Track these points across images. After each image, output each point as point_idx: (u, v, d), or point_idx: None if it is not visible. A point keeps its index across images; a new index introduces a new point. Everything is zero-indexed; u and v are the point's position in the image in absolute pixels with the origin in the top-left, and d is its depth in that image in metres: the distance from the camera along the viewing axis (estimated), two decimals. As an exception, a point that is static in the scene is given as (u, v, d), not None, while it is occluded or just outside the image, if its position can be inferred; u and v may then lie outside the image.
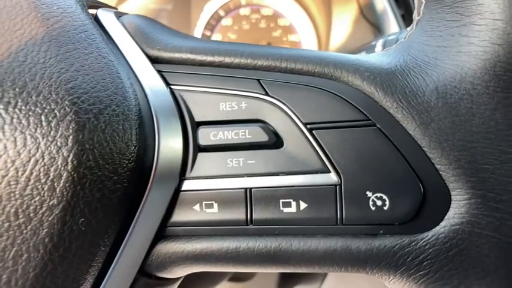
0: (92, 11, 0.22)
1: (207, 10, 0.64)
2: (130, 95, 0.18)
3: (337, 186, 0.17)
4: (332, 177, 0.17)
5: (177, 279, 0.23)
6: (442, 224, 0.16)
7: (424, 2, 0.19)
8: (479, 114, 0.16)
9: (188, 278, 0.41)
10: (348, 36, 0.61)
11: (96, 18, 0.21)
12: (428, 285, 0.17)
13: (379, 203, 0.17)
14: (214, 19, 0.64)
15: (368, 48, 0.38)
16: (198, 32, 0.64)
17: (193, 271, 0.21)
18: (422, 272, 0.17)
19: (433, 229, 0.17)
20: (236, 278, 0.59)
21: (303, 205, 0.18)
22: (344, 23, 0.61)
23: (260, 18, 0.65)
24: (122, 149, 0.17)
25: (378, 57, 0.19)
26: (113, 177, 0.17)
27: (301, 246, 0.18)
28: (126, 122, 0.17)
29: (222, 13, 0.64)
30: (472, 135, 0.16)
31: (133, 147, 0.17)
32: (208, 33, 0.64)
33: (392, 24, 0.51)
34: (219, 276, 0.44)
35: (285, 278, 0.61)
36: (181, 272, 0.21)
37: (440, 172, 0.16)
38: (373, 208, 0.17)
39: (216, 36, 0.65)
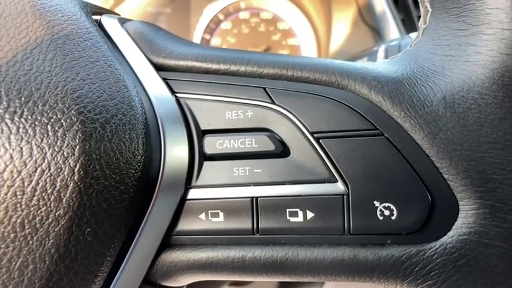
0: (96, 17, 0.22)
1: (207, 14, 0.64)
2: (136, 103, 0.18)
3: (345, 196, 0.17)
4: (339, 187, 0.17)
5: (181, 287, 0.23)
6: (450, 233, 0.16)
7: (430, 10, 0.19)
8: (487, 124, 0.16)
9: (189, 284, 0.40)
10: (347, 40, 0.61)
11: (100, 25, 0.21)
12: None
13: (386, 212, 0.17)
14: (214, 23, 0.64)
15: (370, 54, 0.38)
16: (197, 35, 0.64)
17: (198, 279, 0.21)
18: (429, 282, 0.17)
19: (441, 239, 0.17)
20: (235, 283, 0.59)
21: (309, 214, 0.18)
22: (343, 27, 0.61)
23: (259, 21, 0.65)
24: (128, 158, 0.17)
25: (385, 65, 0.19)
26: (120, 187, 0.16)
27: (308, 256, 0.18)
28: (132, 131, 0.17)
29: (221, 17, 0.64)
30: (480, 145, 0.16)
31: (139, 157, 0.17)
32: (207, 36, 0.64)
33: (392, 28, 0.51)
34: (219, 283, 0.43)
35: (284, 283, 0.61)
36: (185, 280, 0.21)
37: (448, 182, 0.16)
38: (380, 218, 0.17)
39: (216, 40, 0.65)
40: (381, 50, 0.36)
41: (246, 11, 0.65)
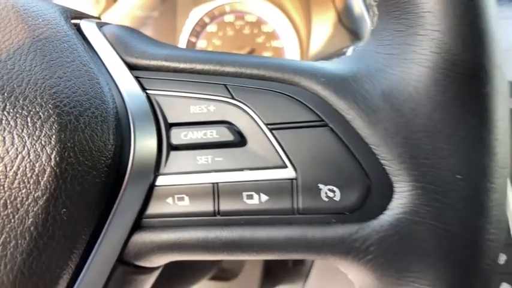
0: (76, 21, 0.24)
1: (192, 17, 0.66)
2: (108, 99, 0.20)
3: (294, 180, 0.19)
4: (289, 172, 0.19)
5: (156, 268, 0.25)
6: (386, 213, 0.19)
7: (377, 14, 0.22)
8: (421, 115, 0.18)
9: (168, 274, 0.42)
10: (327, 42, 0.63)
11: (78, 29, 0.23)
12: (376, 268, 0.19)
13: (330, 194, 0.19)
14: (200, 26, 0.66)
15: (339, 54, 0.40)
16: (183, 38, 0.66)
17: (169, 260, 0.23)
18: (369, 257, 0.19)
19: (378, 218, 0.19)
20: (220, 277, 0.61)
21: (264, 197, 0.20)
22: (323, 30, 0.63)
23: (244, 24, 0.67)
24: (100, 147, 0.19)
25: (335, 64, 0.21)
26: (92, 172, 0.18)
27: (263, 234, 0.20)
28: (104, 123, 0.19)
29: (207, 20, 0.66)
30: (414, 133, 0.18)
31: (110, 146, 0.19)
32: (193, 39, 0.66)
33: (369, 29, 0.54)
34: (199, 274, 0.45)
35: (267, 278, 0.63)
36: (157, 260, 0.23)
37: (385, 167, 0.18)
38: (325, 199, 0.19)
39: (202, 42, 0.67)
40: (349, 51, 0.38)
41: (231, 14, 0.67)
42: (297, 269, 0.63)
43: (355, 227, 0.19)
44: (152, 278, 0.26)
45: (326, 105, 0.19)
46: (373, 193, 0.19)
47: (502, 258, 0.43)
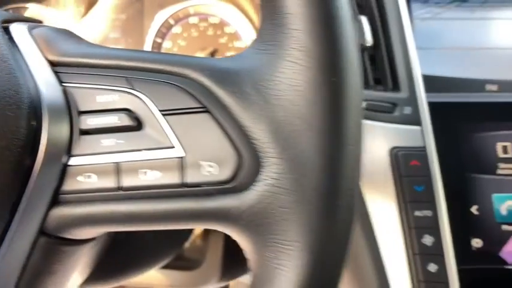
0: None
1: (158, 19, 0.69)
2: (23, 90, 0.23)
3: (182, 158, 0.23)
4: (178, 152, 0.23)
5: (84, 241, 0.28)
6: (256, 184, 0.22)
7: (261, 15, 0.25)
8: (282, 101, 0.22)
9: (119, 258, 0.45)
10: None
11: (7, 31, 0.26)
12: (250, 234, 0.22)
13: (210, 169, 0.22)
14: (165, 27, 0.69)
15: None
16: (149, 39, 0.69)
17: (87, 232, 0.26)
18: (242, 223, 0.22)
19: (250, 188, 0.22)
20: (183, 267, 0.64)
21: (157, 174, 0.23)
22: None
23: (208, 26, 0.70)
24: (13, 131, 0.22)
25: (225, 60, 0.25)
26: (6, 152, 0.22)
27: (159, 207, 0.23)
28: (17, 110, 0.22)
29: (172, 22, 0.70)
30: (276, 116, 0.22)
31: (23, 130, 0.22)
32: (159, 40, 0.69)
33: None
34: (152, 260, 0.49)
35: (229, 268, 0.66)
36: (80, 233, 0.26)
37: (254, 145, 0.22)
38: (207, 173, 0.22)
39: (167, 43, 0.70)
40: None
41: (195, 16, 0.70)
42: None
43: (231, 198, 0.22)
44: (84, 251, 0.29)
45: (208, 93, 0.23)
46: (245, 168, 0.22)
47: (430, 240, 0.47)
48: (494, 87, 0.53)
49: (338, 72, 0.21)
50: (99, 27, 0.71)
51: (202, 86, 0.23)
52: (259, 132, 0.22)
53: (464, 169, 0.48)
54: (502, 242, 0.46)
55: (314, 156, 0.21)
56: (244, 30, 0.70)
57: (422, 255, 0.45)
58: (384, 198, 0.48)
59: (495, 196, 0.47)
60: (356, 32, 0.23)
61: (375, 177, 0.49)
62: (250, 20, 0.69)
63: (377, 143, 0.49)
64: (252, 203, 0.22)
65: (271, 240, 0.22)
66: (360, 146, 0.22)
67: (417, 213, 0.46)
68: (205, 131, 0.22)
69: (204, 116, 0.23)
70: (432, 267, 0.45)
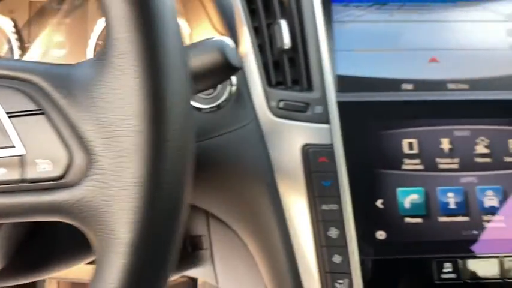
0: None
1: (100, 24, 0.71)
2: None
3: (22, 156, 0.25)
4: (20, 150, 0.25)
5: None
6: (85, 179, 0.24)
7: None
8: (105, 100, 0.24)
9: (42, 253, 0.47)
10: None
11: None
12: (84, 225, 0.25)
13: (45, 166, 0.25)
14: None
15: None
16: (92, 42, 0.71)
17: None
18: (72, 215, 0.24)
19: (79, 183, 0.24)
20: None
21: (3, 170, 0.25)
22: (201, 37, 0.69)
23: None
24: None
25: (64, 66, 0.27)
26: None
27: (5, 201, 0.25)
28: None
29: (114, 25, 0.72)
30: (100, 114, 0.24)
31: None
32: (101, 42, 0.71)
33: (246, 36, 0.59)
34: (71, 256, 0.51)
35: (181, 263, 0.68)
36: None
37: (83, 143, 0.24)
38: (42, 170, 0.24)
39: (110, 46, 0.72)
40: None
41: (137, 20, 0.72)
42: (196, 254, 0.68)
43: (62, 192, 0.25)
44: None
45: (46, 96, 0.25)
46: (76, 165, 0.24)
47: (335, 233, 0.49)
48: (410, 86, 0.56)
49: (153, 76, 0.23)
50: (43, 31, 0.73)
51: (41, 90, 0.25)
52: (87, 132, 0.24)
53: (371, 165, 0.50)
54: (405, 234, 0.48)
55: (133, 153, 0.23)
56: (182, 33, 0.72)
57: (328, 247, 0.47)
58: (296, 193, 0.50)
59: (400, 190, 0.49)
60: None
61: (289, 173, 0.51)
62: (189, 21, 0.71)
63: (291, 140, 0.51)
64: (80, 197, 0.24)
65: (99, 231, 0.24)
66: (181, 142, 0.24)
67: (324, 207, 0.48)
68: (42, 131, 0.25)
69: (41, 118, 0.25)
70: (337, 259, 0.47)
